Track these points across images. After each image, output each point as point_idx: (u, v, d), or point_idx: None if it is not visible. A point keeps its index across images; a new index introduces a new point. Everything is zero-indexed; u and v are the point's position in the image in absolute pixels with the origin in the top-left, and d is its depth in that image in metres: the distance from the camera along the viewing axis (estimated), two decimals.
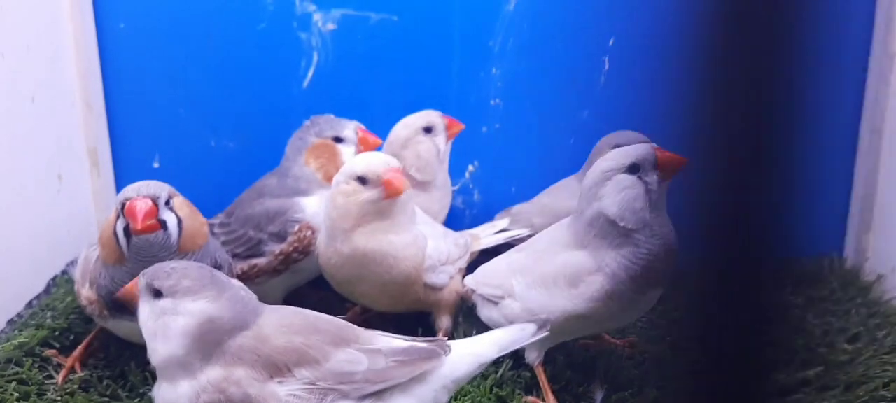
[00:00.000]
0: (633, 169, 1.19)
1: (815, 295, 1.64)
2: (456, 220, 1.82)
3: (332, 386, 0.98)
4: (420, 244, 1.39)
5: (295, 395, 0.97)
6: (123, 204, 1.19)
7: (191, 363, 0.98)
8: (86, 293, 1.30)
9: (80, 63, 1.69)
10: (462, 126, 1.62)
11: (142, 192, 1.21)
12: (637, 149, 1.21)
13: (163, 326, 0.99)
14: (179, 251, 1.24)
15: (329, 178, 1.50)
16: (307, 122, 1.60)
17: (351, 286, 1.42)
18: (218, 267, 1.29)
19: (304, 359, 0.99)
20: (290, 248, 1.48)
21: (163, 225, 1.22)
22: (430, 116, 1.60)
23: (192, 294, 1.00)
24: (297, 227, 1.48)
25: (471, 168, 1.87)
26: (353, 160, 1.38)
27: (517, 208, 1.75)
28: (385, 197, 1.32)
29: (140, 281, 1.03)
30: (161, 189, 1.23)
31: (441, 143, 1.60)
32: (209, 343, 0.99)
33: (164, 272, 1.02)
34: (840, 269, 1.79)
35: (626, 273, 1.18)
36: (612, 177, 1.21)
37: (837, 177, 1.84)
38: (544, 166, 1.81)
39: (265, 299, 1.14)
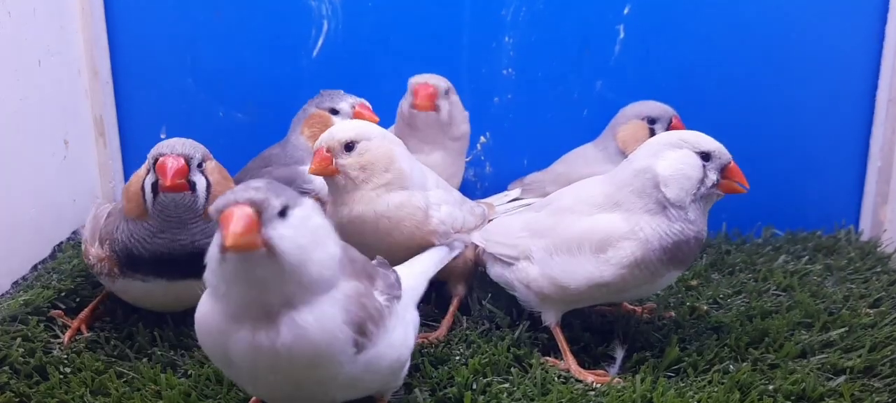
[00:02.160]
0: (704, 156, 1.17)
1: (833, 264, 1.61)
2: (467, 192, 1.79)
3: (392, 294, 1.04)
4: (416, 204, 1.34)
5: (384, 305, 1.01)
6: (156, 160, 1.17)
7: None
8: (95, 251, 1.27)
9: (87, 29, 1.67)
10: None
11: (176, 150, 1.18)
12: (719, 146, 1.19)
13: (314, 232, 0.91)
14: (205, 216, 1.21)
15: None
16: (316, 96, 1.58)
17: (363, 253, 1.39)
18: None
19: (373, 273, 1.04)
20: None
21: (191, 186, 1.20)
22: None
23: (298, 196, 0.93)
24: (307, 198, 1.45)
25: (483, 139, 1.84)
26: (337, 126, 1.35)
27: (530, 177, 1.72)
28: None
29: (266, 211, 0.86)
30: (195, 149, 1.21)
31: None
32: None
33: (274, 190, 0.88)
34: (857, 241, 1.76)
35: (658, 242, 1.16)
36: (683, 147, 1.19)
37: (852, 150, 1.81)
38: (557, 137, 1.79)
39: None
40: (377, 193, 1.31)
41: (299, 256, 0.87)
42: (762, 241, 1.78)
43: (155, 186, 1.19)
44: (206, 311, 0.93)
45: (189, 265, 1.22)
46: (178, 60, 1.78)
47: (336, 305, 0.91)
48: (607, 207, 1.21)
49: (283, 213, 0.88)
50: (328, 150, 1.29)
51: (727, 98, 1.78)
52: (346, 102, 1.53)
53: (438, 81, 1.56)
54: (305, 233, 0.89)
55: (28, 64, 1.46)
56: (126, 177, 1.83)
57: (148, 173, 1.20)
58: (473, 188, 1.86)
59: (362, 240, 1.34)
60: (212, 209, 0.87)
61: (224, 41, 1.78)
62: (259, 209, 0.85)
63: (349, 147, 1.29)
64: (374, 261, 1.11)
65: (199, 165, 1.22)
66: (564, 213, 1.26)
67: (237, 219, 0.83)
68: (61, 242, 1.58)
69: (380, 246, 1.33)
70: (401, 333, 1.03)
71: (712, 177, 1.18)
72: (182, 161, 1.18)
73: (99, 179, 1.76)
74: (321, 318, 0.89)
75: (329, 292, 0.92)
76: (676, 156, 1.18)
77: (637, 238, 1.17)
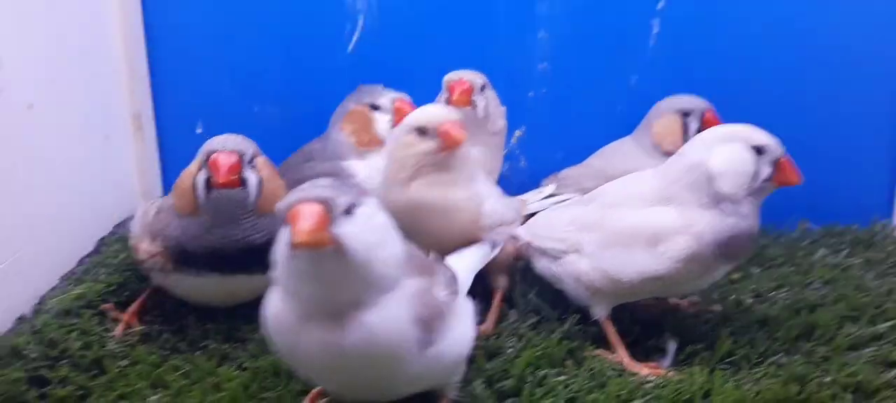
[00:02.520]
0: (758, 150, 1.18)
1: (872, 257, 1.61)
2: (502, 187, 1.80)
3: (452, 290, 1.06)
4: (477, 201, 1.36)
5: (445, 301, 1.01)
6: (208, 156, 1.18)
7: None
8: (145, 246, 1.27)
9: (124, 26, 1.67)
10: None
11: (228, 146, 1.19)
12: (771, 140, 1.19)
13: (379, 230, 0.92)
14: (257, 211, 1.22)
15: (362, 145, 1.48)
16: (355, 91, 1.58)
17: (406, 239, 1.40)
18: None
19: (433, 269, 1.04)
20: None
21: (243, 182, 1.21)
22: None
23: (363, 192, 0.94)
24: None
25: (518, 133, 1.85)
26: (414, 112, 1.36)
27: (565, 172, 1.72)
28: (441, 148, 1.30)
29: (334, 209, 0.86)
30: (247, 146, 1.22)
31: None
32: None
33: (340, 188, 0.89)
34: (892, 235, 1.76)
35: (712, 236, 1.16)
36: (736, 142, 1.19)
37: (885, 144, 1.82)
38: (592, 132, 1.79)
39: None
40: (445, 182, 1.32)
41: (366, 254, 0.88)
42: (798, 235, 1.78)
43: (208, 182, 1.20)
44: (276, 308, 0.94)
45: (241, 260, 1.23)
46: (214, 55, 1.79)
47: (402, 303, 0.92)
48: (658, 202, 1.22)
49: (349, 211, 0.88)
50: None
51: (761, 91, 1.78)
52: (386, 98, 1.53)
53: (474, 77, 1.56)
54: (372, 231, 0.90)
55: (70, 58, 1.47)
56: (163, 173, 1.84)
57: (199, 169, 1.21)
58: (508, 183, 1.85)
59: (413, 227, 1.35)
60: (280, 206, 0.87)
61: (259, 36, 1.78)
62: (327, 206, 0.85)
63: (422, 132, 1.30)
64: (429, 257, 1.12)
65: (251, 161, 1.23)
66: (613, 208, 1.27)
67: (306, 217, 0.83)
68: (104, 236, 1.59)
69: (433, 236, 1.34)
70: (461, 327, 1.04)
71: (766, 170, 1.18)
72: (235, 157, 1.19)
73: (137, 174, 1.76)
74: (388, 318, 0.90)
75: (394, 290, 0.92)
76: (729, 151, 1.18)
77: (690, 232, 1.17)
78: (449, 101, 1.54)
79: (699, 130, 1.48)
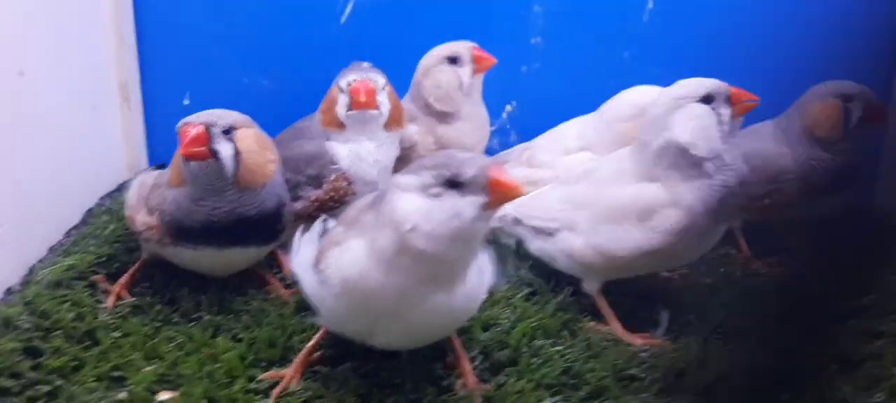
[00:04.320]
0: (707, 99, 1.19)
1: None
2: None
3: None
4: None
5: None
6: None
7: None
8: (142, 218, 1.26)
9: None
10: (493, 60, 1.56)
11: (200, 119, 1.18)
12: (713, 82, 1.20)
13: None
14: (238, 185, 1.21)
15: (324, 125, 1.42)
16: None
17: None
18: (282, 205, 1.28)
19: None
20: (327, 196, 1.43)
21: (214, 154, 1.19)
22: (457, 46, 1.56)
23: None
24: (333, 175, 1.43)
25: (509, 108, 1.84)
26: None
27: None
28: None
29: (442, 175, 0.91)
30: (221, 117, 1.20)
31: (465, 75, 1.56)
32: None
33: (458, 160, 0.92)
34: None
35: (702, 205, 1.17)
36: (684, 105, 1.19)
37: None
38: (584, 107, 1.77)
39: None
40: None
41: (472, 235, 0.95)
42: None
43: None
44: (383, 276, 0.95)
45: (234, 232, 1.22)
46: (203, 25, 1.76)
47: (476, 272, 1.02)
48: (646, 179, 1.22)
49: (457, 185, 0.92)
50: None
51: (755, 67, 1.78)
52: (345, 80, 1.41)
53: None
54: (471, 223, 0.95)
55: (60, 25, 1.44)
56: (149, 144, 1.82)
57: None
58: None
59: None
60: (488, 174, 0.90)
61: (250, 6, 1.76)
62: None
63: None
64: None
65: (227, 132, 1.20)
66: (603, 184, 1.27)
67: (509, 176, 0.91)
68: (91, 208, 1.57)
69: None
70: None
71: (725, 112, 1.19)
72: (202, 128, 1.18)
73: (124, 145, 1.73)
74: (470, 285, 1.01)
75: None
76: (686, 116, 1.19)
77: (679, 206, 1.18)
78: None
79: (862, 119, 1.43)
